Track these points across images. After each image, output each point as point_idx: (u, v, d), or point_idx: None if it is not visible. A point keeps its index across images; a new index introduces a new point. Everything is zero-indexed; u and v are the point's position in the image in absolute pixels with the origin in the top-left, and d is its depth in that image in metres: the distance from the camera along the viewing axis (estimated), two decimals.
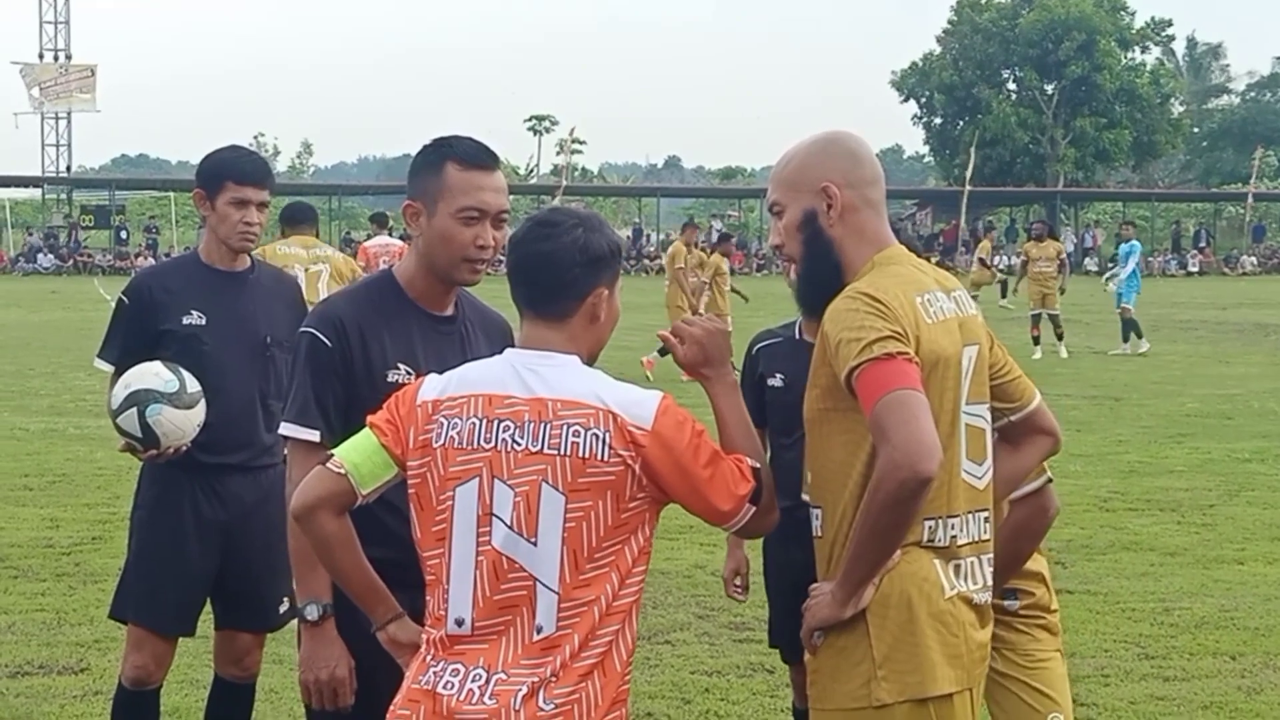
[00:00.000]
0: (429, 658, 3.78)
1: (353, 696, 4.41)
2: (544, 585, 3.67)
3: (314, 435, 4.46)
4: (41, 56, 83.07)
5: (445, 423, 3.77)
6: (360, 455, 3.87)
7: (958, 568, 4.00)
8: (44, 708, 7.75)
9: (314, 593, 4.40)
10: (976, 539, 4.07)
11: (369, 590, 4.03)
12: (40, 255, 70.68)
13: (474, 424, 3.74)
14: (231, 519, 6.06)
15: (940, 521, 3.97)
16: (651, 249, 75.27)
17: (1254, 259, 78.50)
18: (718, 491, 3.75)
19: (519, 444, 3.69)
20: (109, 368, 6.22)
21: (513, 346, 4.14)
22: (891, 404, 3.73)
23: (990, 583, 4.13)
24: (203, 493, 6.05)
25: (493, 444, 3.72)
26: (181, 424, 5.82)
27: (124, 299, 6.21)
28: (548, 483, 3.67)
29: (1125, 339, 29.03)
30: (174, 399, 5.80)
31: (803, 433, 5.12)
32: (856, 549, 3.87)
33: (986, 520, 4.11)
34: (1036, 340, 28.39)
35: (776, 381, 5.87)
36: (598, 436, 3.66)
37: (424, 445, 3.79)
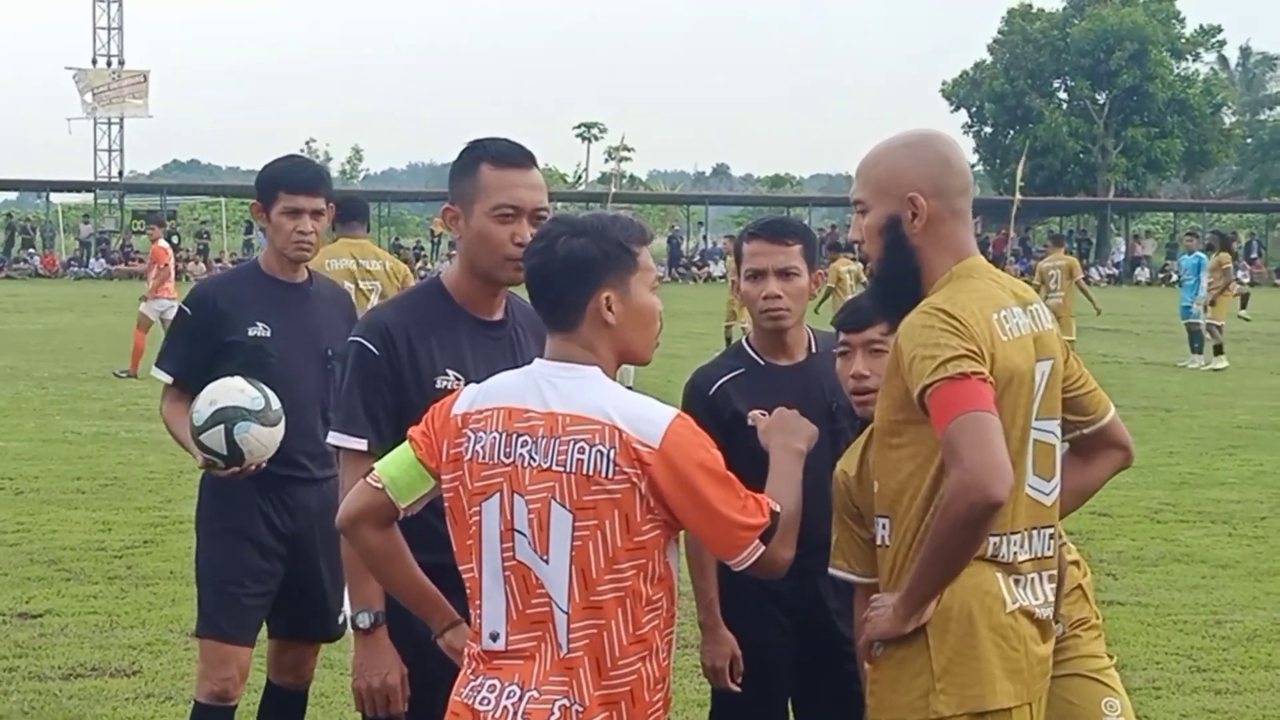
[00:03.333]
0: (470, 671, 3.78)
1: (405, 704, 4.42)
2: (556, 605, 3.65)
3: (362, 444, 4.47)
4: (95, 62, 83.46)
5: (473, 436, 3.75)
6: (398, 469, 3.87)
7: (1018, 581, 3.98)
8: (96, 710, 7.79)
9: (366, 600, 4.42)
10: (1039, 555, 4.04)
11: (423, 598, 4.04)
12: (91, 260, 71.11)
13: (495, 438, 3.72)
14: (299, 529, 6.04)
15: (1005, 538, 3.94)
16: (699, 257, 75.22)
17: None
18: (727, 521, 3.66)
19: (533, 460, 3.66)
20: (168, 378, 6.17)
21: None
22: (965, 425, 3.69)
23: (1052, 599, 4.11)
24: (271, 504, 6.01)
25: (511, 459, 3.69)
26: (267, 441, 5.77)
27: (186, 309, 6.17)
28: (555, 500, 3.63)
29: (1195, 350, 28.76)
30: (261, 416, 5.75)
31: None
32: (922, 567, 3.85)
33: (1051, 537, 4.07)
34: None
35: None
36: (602, 453, 3.61)
37: (455, 459, 3.78)
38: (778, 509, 3.75)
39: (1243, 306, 33.83)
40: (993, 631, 3.91)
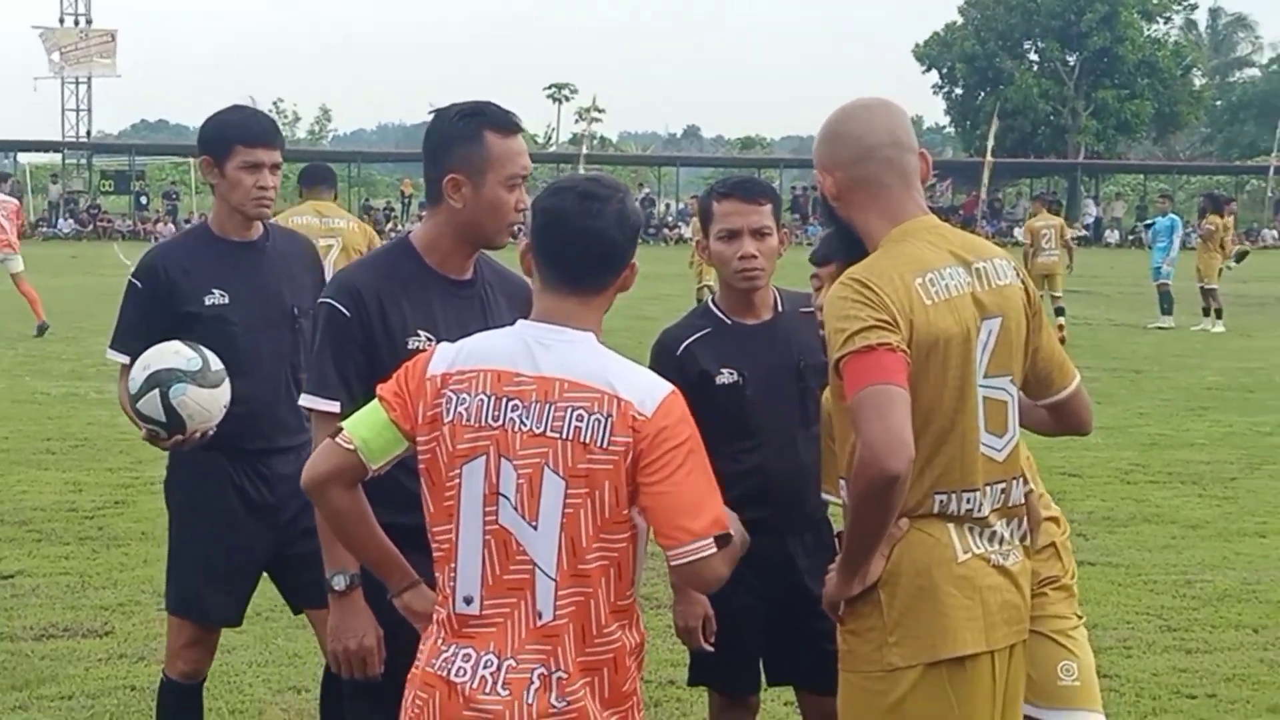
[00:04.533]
0: (440, 640, 3.75)
1: (381, 666, 4.42)
2: (542, 571, 3.62)
3: (334, 406, 4.45)
4: (62, 21, 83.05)
5: (454, 398, 3.70)
6: (369, 430, 3.81)
7: (977, 531, 4.01)
8: (69, 670, 7.78)
9: (341, 563, 4.41)
10: (1001, 506, 4.07)
11: (384, 559, 4.01)
12: (60, 220, 70.82)
13: (482, 400, 3.67)
14: (279, 500, 5.71)
15: (954, 495, 3.97)
16: (670, 218, 75.21)
17: (1275, 232, 78.16)
18: (687, 506, 3.58)
19: (524, 424, 3.62)
20: (123, 358, 5.74)
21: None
22: (866, 399, 3.72)
23: (1020, 543, 4.14)
24: (247, 477, 5.72)
25: (500, 422, 3.65)
26: (208, 404, 5.43)
27: (136, 282, 5.77)
28: (549, 466, 3.60)
29: (1165, 311, 28.91)
30: (198, 377, 5.40)
31: (764, 437, 5.09)
32: (849, 535, 3.91)
33: (1004, 490, 4.08)
34: None
35: (727, 377, 5.19)
36: (600, 422, 3.58)
37: (433, 420, 3.72)
38: (733, 533, 3.68)
39: (1238, 260, 33.87)
40: (945, 583, 3.95)
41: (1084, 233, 76.43)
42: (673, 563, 3.62)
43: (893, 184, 4.06)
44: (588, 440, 3.58)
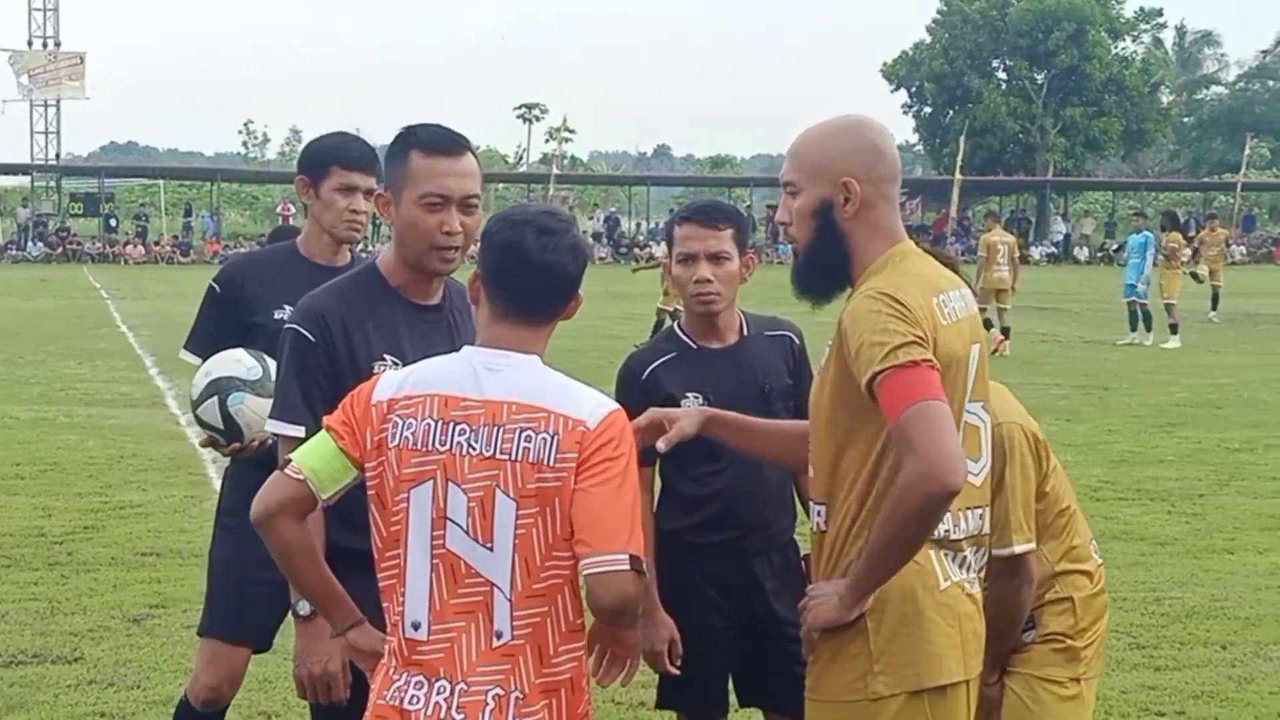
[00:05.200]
0: (391, 670, 3.76)
1: (347, 691, 4.41)
2: (499, 590, 3.64)
3: (299, 431, 4.44)
4: (30, 43, 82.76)
5: (400, 423, 3.72)
6: (319, 460, 3.82)
7: (953, 558, 4.02)
8: (38, 697, 7.74)
9: None
10: (972, 533, 4.08)
11: (328, 597, 4.01)
12: (29, 243, 70.58)
13: (429, 425, 3.69)
14: None
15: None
16: (641, 238, 75.23)
17: (1243, 248, 78.45)
18: (611, 519, 3.59)
19: (473, 448, 3.65)
20: (195, 359, 5.78)
21: None
22: (918, 415, 3.69)
23: (979, 574, 4.15)
24: None
25: (447, 447, 3.67)
26: (265, 414, 5.28)
27: (215, 286, 5.82)
28: (499, 488, 3.63)
29: (1133, 329, 29.07)
30: (257, 387, 5.38)
31: (731, 460, 5.07)
32: (874, 557, 3.85)
33: (981, 516, 4.11)
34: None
35: (690, 401, 5.13)
36: (547, 441, 3.61)
37: (379, 446, 3.74)
38: (645, 569, 3.67)
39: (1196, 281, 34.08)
40: (929, 610, 3.94)
41: (1053, 249, 76.87)
42: (584, 570, 3.61)
43: (896, 207, 4.13)
44: (536, 460, 3.61)
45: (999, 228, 28.96)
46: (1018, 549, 4.58)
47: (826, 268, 4.09)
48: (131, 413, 18.28)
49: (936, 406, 3.72)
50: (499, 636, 3.64)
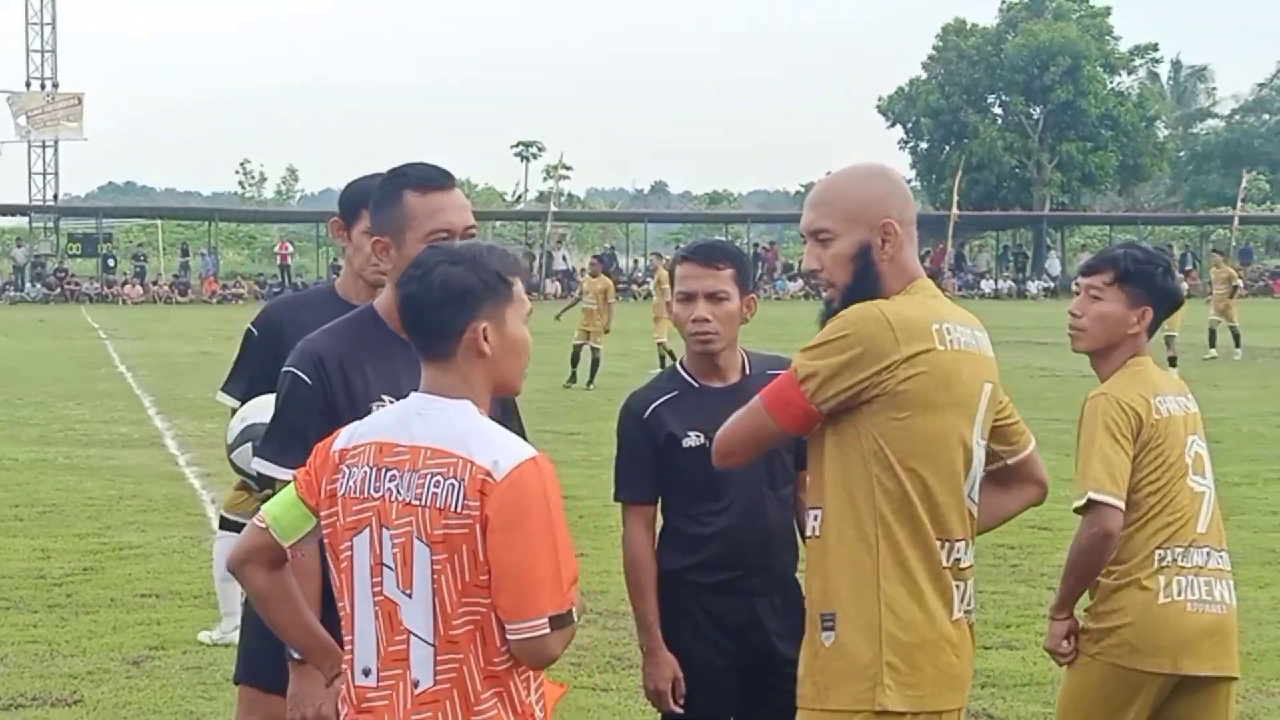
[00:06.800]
0: (346, 714, 3.78)
1: None
2: (420, 639, 3.64)
3: (286, 474, 4.42)
4: (28, 85, 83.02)
5: (348, 472, 3.75)
6: (280, 508, 3.86)
7: (959, 589, 4.15)
8: None
9: None
10: (970, 564, 4.21)
11: (311, 643, 4.02)
12: (27, 284, 70.65)
13: (366, 472, 3.72)
14: None
15: (951, 544, 4.13)
16: (639, 275, 75.28)
17: (1240, 282, 78.54)
18: (526, 583, 3.57)
19: (400, 494, 3.66)
20: (234, 402, 5.76)
21: None
22: (750, 414, 4.25)
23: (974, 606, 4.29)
24: None
25: (380, 493, 3.69)
26: None
27: (253, 330, 5.77)
28: (416, 534, 3.63)
29: None
30: None
31: (733, 499, 5.14)
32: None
33: (971, 547, 4.24)
34: None
35: (693, 440, 5.16)
36: (454, 487, 3.59)
37: (331, 495, 3.77)
38: (576, 611, 3.67)
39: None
40: (943, 638, 4.08)
41: (1050, 284, 76.98)
42: (508, 636, 3.62)
43: (915, 245, 4.29)
44: (443, 505, 3.60)
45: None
46: (1033, 445, 4.62)
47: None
48: (130, 453, 18.29)
49: (762, 415, 4.18)
50: (416, 685, 3.63)
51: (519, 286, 3.83)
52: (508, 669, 3.65)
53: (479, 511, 3.56)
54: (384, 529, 3.67)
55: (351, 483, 3.73)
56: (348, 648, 3.77)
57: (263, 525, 3.86)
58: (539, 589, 3.57)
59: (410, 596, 3.64)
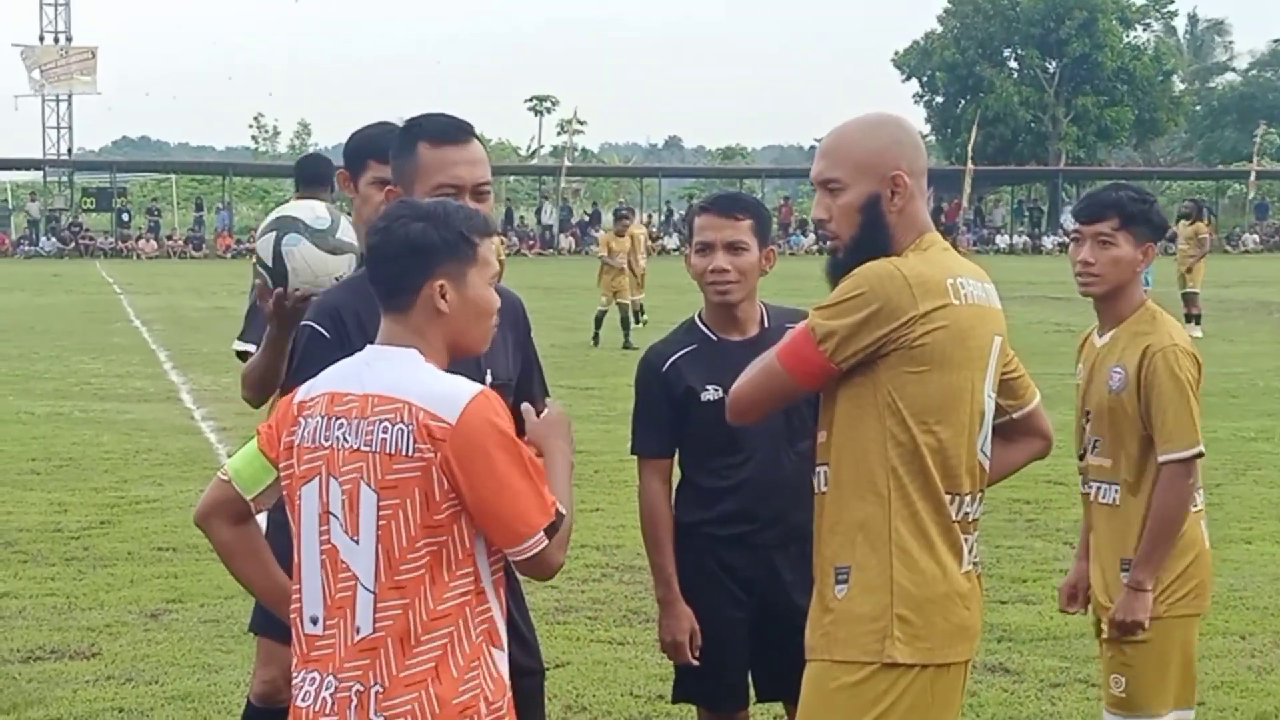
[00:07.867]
0: (295, 665, 3.80)
1: None
2: (363, 585, 3.65)
3: None
4: (42, 39, 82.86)
5: (304, 422, 3.77)
6: (242, 461, 3.90)
7: (967, 542, 4.18)
8: (56, 692, 7.75)
9: None
10: (977, 517, 4.24)
11: (279, 599, 4.00)
12: (42, 238, 70.73)
13: (318, 422, 3.74)
14: None
15: (960, 498, 4.13)
16: (653, 229, 75.19)
17: (1256, 237, 78.40)
18: (516, 505, 3.63)
19: (348, 441, 3.68)
20: (251, 348, 5.67)
21: (526, 323, 4.10)
22: (764, 367, 4.18)
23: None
24: None
25: (330, 442, 3.71)
26: (315, 265, 5.07)
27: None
28: (364, 480, 3.65)
29: None
30: (318, 236, 5.08)
31: (750, 453, 5.14)
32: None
33: (981, 500, 4.27)
34: None
35: (711, 394, 5.15)
36: (403, 431, 3.61)
37: (289, 447, 3.80)
38: (563, 510, 3.70)
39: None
40: (954, 591, 4.10)
41: (1066, 239, 76.77)
42: (513, 559, 3.69)
43: (925, 197, 4.27)
44: (393, 451, 3.62)
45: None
46: (1038, 399, 4.64)
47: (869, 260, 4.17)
48: (146, 407, 18.32)
49: (780, 373, 4.11)
50: (358, 632, 3.65)
51: (486, 247, 3.82)
52: (461, 603, 3.66)
53: (434, 454, 3.59)
54: (331, 477, 3.69)
55: (305, 433, 3.76)
56: (295, 597, 3.79)
57: (225, 478, 3.89)
58: (526, 508, 3.63)
59: (357, 543, 3.66)
